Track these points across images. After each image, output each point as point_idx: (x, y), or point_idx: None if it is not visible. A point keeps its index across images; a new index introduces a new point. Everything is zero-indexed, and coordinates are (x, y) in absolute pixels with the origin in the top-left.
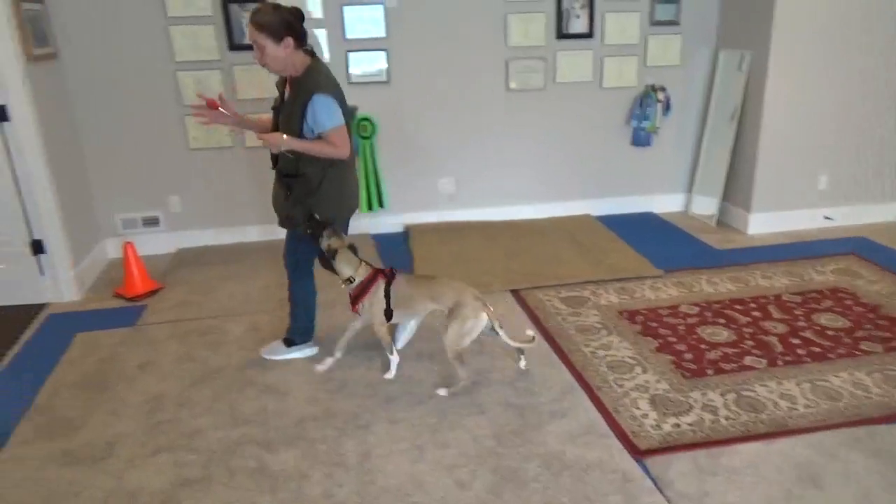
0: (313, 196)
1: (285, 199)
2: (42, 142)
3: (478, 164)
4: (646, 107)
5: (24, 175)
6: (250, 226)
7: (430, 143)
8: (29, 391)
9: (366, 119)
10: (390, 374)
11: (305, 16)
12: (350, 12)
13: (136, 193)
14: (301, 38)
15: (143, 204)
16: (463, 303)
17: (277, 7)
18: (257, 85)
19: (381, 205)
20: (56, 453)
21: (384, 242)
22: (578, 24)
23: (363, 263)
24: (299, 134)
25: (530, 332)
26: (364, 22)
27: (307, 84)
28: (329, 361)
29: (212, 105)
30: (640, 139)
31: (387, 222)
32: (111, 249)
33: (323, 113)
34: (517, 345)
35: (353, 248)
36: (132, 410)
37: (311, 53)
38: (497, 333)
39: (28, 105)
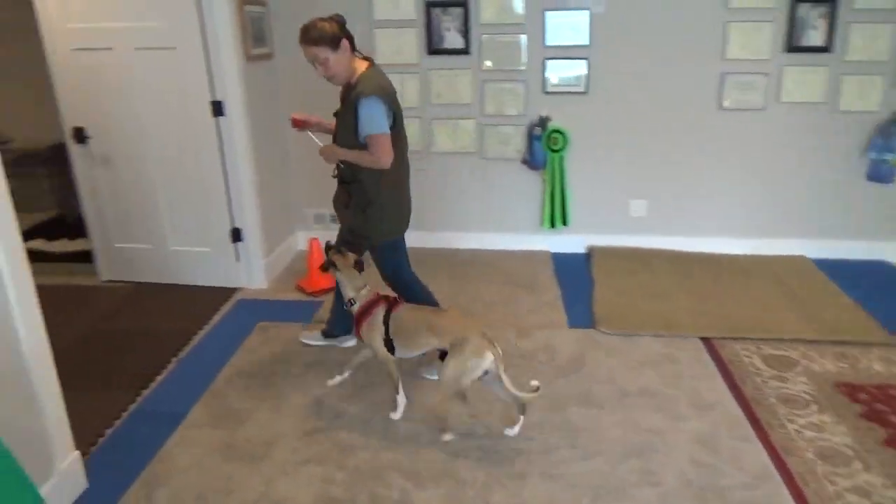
0: (372, 206)
1: (346, 208)
2: (250, 136)
3: (676, 188)
4: (891, 136)
5: (232, 167)
6: (439, 231)
7: (624, 159)
8: (211, 372)
9: (557, 131)
10: (396, 415)
11: (345, 21)
12: (553, 18)
13: (327, 190)
14: (352, 41)
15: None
16: (467, 339)
17: (318, 20)
18: (451, 90)
19: (563, 222)
20: (220, 444)
21: (562, 262)
22: (814, 37)
23: (367, 286)
24: (355, 141)
25: (535, 382)
26: (566, 28)
27: (356, 89)
28: (338, 379)
29: (297, 123)
30: (880, 173)
31: (568, 241)
32: (300, 241)
33: (365, 118)
34: (520, 395)
35: (358, 266)
36: (292, 411)
37: (366, 59)
38: (500, 380)
39: (241, 102)
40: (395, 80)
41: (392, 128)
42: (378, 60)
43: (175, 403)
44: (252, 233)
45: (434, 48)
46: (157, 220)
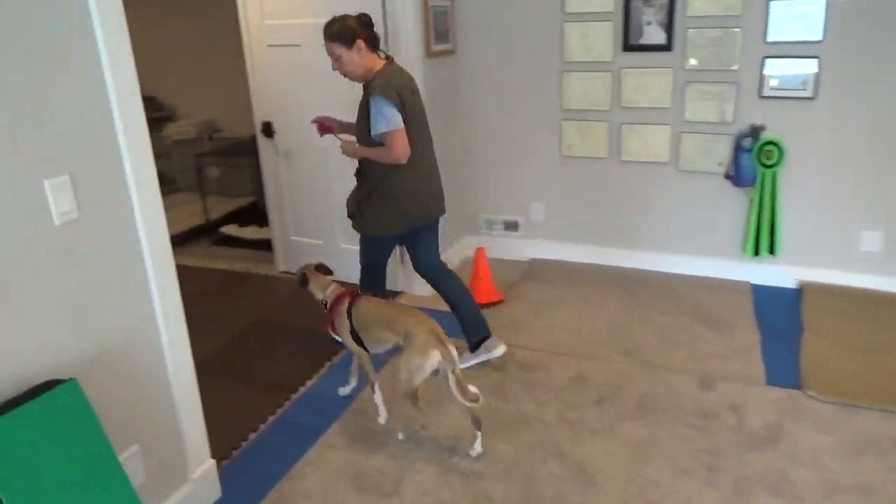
0: (368, 199)
1: (353, 199)
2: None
3: None
4: None
5: None
6: (615, 248)
7: (857, 181)
8: (357, 386)
9: (772, 143)
10: (381, 419)
11: (374, 22)
12: (778, 8)
13: (502, 195)
14: (372, 41)
15: (507, 206)
16: (414, 336)
17: (344, 16)
18: (646, 91)
19: (771, 250)
20: (351, 470)
21: (765, 298)
22: None
23: (333, 284)
24: (369, 138)
25: (474, 389)
26: (794, 20)
27: (369, 87)
28: (347, 388)
29: (323, 128)
30: None
31: (775, 273)
32: (468, 248)
33: (375, 115)
34: (464, 402)
35: (323, 269)
36: (430, 444)
37: (387, 58)
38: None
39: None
40: (580, 80)
41: (405, 124)
42: (566, 58)
43: (317, 416)
44: None
45: (630, 44)
46: (329, 216)
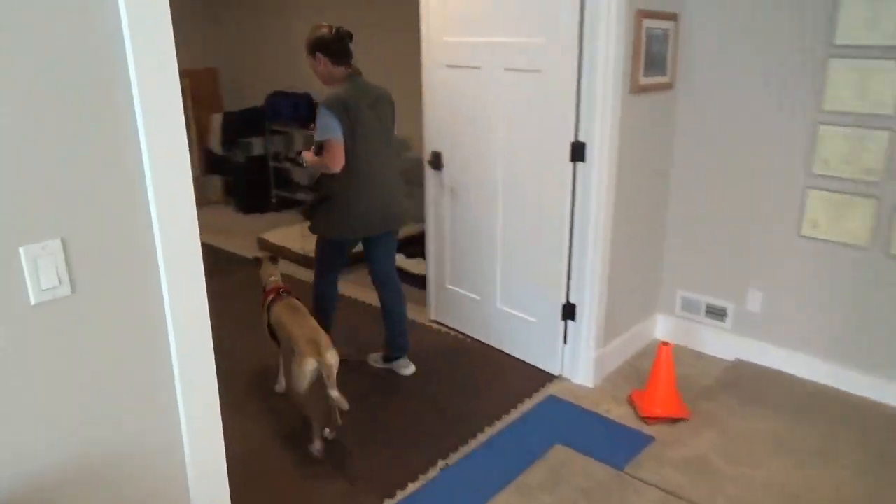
0: (322, 204)
1: (310, 202)
2: (613, 190)
3: None
4: None
5: (582, 226)
6: (862, 372)
7: None
8: (490, 485)
9: None
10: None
11: (345, 36)
12: None
13: (711, 270)
14: (335, 55)
15: (715, 286)
16: (295, 342)
17: (319, 27)
18: None
19: None
20: None
21: None
22: None
23: (275, 276)
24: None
25: (343, 403)
26: None
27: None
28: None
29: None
30: None
31: None
32: (658, 329)
33: (318, 125)
34: (333, 401)
35: (273, 260)
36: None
37: (352, 73)
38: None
39: (610, 146)
40: (844, 137)
41: (351, 136)
42: (826, 105)
43: None
44: (590, 313)
45: None
46: (490, 270)
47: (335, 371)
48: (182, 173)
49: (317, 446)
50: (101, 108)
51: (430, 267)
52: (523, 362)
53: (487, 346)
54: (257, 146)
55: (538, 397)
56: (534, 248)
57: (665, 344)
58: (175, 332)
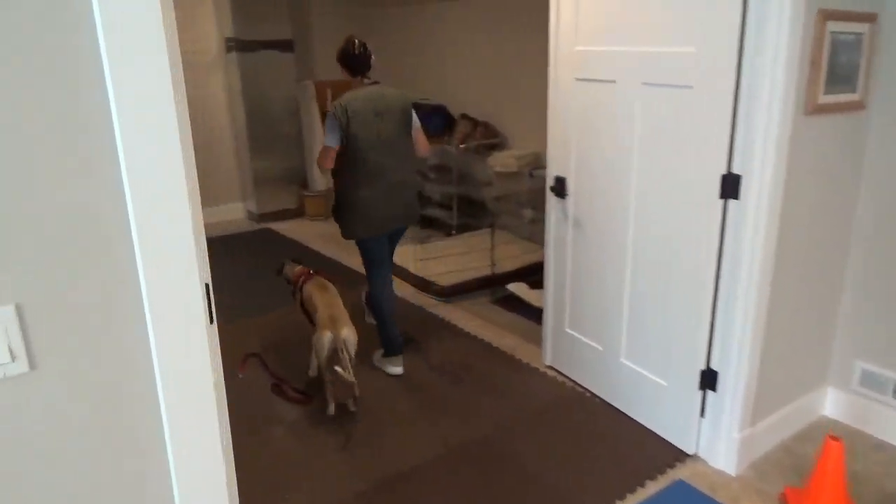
0: (337, 209)
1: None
2: (776, 233)
3: None
4: None
5: (731, 277)
6: None
7: None
8: None
9: None
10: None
11: (363, 51)
12: None
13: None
14: (350, 67)
15: None
16: (317, 317)
17: (346, 40)
18: None
19: None
20: None
21: None
22: None
23: (300, 267)
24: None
25: (350, 377)
26: None
27: None
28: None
29: None
30: None
31: None
32: (828, 406)
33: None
34: (342, 374)
35: (295, 261)
36: None
37: (360, 82)
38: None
39: (775, 181)
40: None
41: (347, 142)
42: None
43: None
44: (736, 383)
45: None
46: (615, 318)
47: (349, 347)
48: (178, 216)
49: (330, 409)
50: (74, 134)
51: (548, 305)
52: (650, 432)
53: (608, 405)
54: None
55: (664, 480)
56: (669, 297)
57: (834, 439)
58: (170, 423)
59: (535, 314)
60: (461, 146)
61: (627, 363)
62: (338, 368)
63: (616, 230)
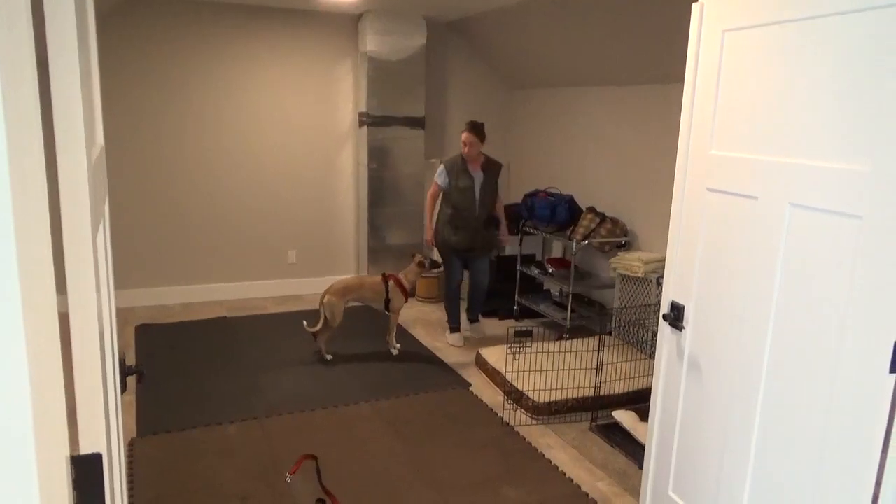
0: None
1: None
2: None
3: None
4: None
5: None
6: None
7: None
8: None
9: None
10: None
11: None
12: None
13: None
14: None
15: None
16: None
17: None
18: None
19: None
20: None
21: None
22: None
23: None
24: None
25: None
26: None
27: None
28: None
29: None
30: None
31: None
32: None
33: None
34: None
35: (420, 266)
36: None
37: (480, 153)
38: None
39: None
40: None
41: (447, 186)
42: None
43: None
44: None
45: None
46: (735, 493)
47: (323, 308)
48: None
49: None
50: None
51: (650, 458)
52: None
53: None
54: (509, 246)
55: None
56: (808, 483)
57: None
58: None
59: (642, 451)
60: (582, 241)
61: None
62: (305, 321)
63: (742, 384)
